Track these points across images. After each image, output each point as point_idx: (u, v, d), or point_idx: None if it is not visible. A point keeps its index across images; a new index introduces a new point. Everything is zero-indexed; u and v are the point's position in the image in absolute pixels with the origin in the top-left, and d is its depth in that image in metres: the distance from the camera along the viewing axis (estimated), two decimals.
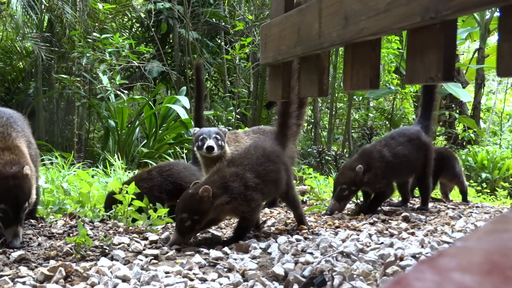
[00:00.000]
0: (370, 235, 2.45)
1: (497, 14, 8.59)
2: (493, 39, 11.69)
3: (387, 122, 10.79)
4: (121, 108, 6.85)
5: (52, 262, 1.91)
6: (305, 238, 2.39)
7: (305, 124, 10.80)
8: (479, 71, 9.87)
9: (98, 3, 8.02)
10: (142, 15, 10.08)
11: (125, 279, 1.73)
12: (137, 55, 8.24)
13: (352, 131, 10.57)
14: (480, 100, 10.48)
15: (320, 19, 1.66)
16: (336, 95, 10.22)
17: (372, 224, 2.79)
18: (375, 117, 11.69)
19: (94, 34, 7.31)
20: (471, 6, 1.09)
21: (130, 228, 2.56)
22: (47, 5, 7.90)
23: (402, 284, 0.49)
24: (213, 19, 9.98)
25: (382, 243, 2.25)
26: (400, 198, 3.64)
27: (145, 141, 7.23)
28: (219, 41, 10.38)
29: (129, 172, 5.03)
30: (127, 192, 2.63)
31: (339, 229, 2.64)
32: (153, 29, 9.30)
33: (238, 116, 8.91)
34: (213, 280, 1.77)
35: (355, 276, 1.78)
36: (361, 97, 11.08)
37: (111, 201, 2.91)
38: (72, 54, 7.32)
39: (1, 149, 2.25)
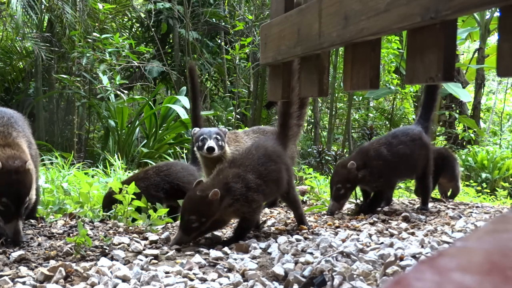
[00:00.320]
0: (370, 235, 2.45)
1: (497, 14, 8.59)
2: (493, 39, 11.69)
3: (387, 122, 10.79)
4: (121, 108, 6.85)
5: (52, 262, 1.91)
6: (305, 238, 2.39)
7: (305, 124, 10.79)
8: (479, 71, 9.87)
9: (98, 3, 8.02)
10: (142, 15, 10.08)
11: (125, 279, 1.73)
12: (137, 55, 8.24)
13: (352, 131, 10.57)
14: (480, 100, 10.48)
15: (320, 19, 1.66)
16: (336, 95, 10.22)
17: (372, 224, 2.79)
18: (375, 117, 11.69)
19: (94, 34, 7.31)
20: (471, 6, 1.09)
21: (130, 228, 2.56)
22: (47, 5, 7.90)
23: (402, 284, 0.49)
24: (213, 19, 9.98)
25: (382, 243, 2.25)
26: (400, 199, 3.64)
27: (145, 141, 7.24)
28: (219, 41, 10.38)
29: (129, 172, 5.04)
30: (127, 192, 2.63)
31: (339, 229, 2.64)
32: (153, 29, 9.30)
33: (238, 116, 8.91)
34: (213, 280, 1.77)
35: (355, 276, 1.78)
36: (361, 97, 11.08)
37: (108, 201, 2.91)
38: (72, 54, 7.32)
39: (2, 145, 2.25)
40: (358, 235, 2.45)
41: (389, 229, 2.61)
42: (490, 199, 6.22)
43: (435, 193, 4.41)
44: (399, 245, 2.18)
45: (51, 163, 5.18)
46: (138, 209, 2.75)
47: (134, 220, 2.75)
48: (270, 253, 2.13)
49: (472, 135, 9.67)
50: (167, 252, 2.10)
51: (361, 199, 3.41)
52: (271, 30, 2.11)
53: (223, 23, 10.10)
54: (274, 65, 2.18)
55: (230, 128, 8.18)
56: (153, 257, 2.01)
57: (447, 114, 10.30)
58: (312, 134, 10.59)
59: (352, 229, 2.66)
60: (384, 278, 1.77)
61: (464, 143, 9.92)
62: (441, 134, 10.18)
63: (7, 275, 1.73)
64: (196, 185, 2.29)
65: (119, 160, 5.39)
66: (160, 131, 7.09)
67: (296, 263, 1.96)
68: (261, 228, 2.63)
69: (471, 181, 7.65)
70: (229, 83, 10.24)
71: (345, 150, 9.06)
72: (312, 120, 10.03)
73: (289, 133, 2.65)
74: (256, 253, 2.09)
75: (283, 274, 1.83)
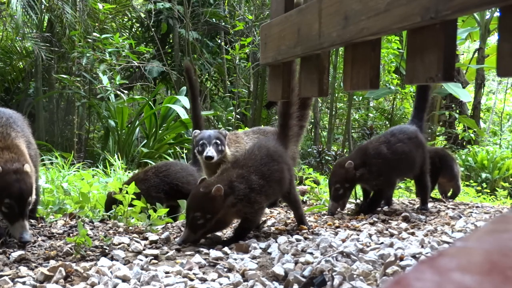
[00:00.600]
0: (370, 235, 2.45)
1: (497, 14, 8.59)
2: (493, 39, 11.69)
3: (387, 122, 10.78)
4: (121, 108, 6.85)
5: (52, 262, 1.91)
6: (305, 238, 2.39)
7: None
8: (479, 71, 9.87)
9: (98, 3, 8.02)
10: (142, 15, 10.08)
11: (125, 279, 1.73)
12: (137, 55, 8.24)
13: (352, 131, 10.57)
14: (480, 100, 10.48)
15: (320, 19, 1.66)
16: (336, 95, 10.22)
17: (372, 224, 2.79)
18: (375, 117, 11.69)
19: (94, 34, 7.31)
20: (471, 6, 1.09)
21: (130, 228, 2.56)
22: (47, 5, 7.90)
23: (402, 284, 0.49)
24: (213, 19, 9.98)
25: (382, 243, 2.25)
26: (400, 199, 3.64)
27: (145, 141, 7.24)
28: (219, 41, 10.37)
29: (129, 172, 5.04)
30: (127, 192, 2.63)
31: (339, 229, 2.64)
32: (153, 29, 9.30)
33: (238, 116, 8.91)
34: (213, 280, 1.77)
35: (355, 276, 1.78)
36: (361, 97, 11.08)
37: (110, 203, 2.92)
38: (72, 54, 7.32)
39: (0, 148, 2.25)
40: (358, 235, 2.45)
41: (389, 229, 2.61)
42: (490, 199, 6.22)
43: (435, 193, 4.41)
44: (399, 245, 2.18)
45: (51, 163, 5.18)
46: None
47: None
48: (270, 253, 2.13)
49: (472, 135, 9.67)
50: (167, 252, 2.10)
51: (361, 199, 3.40)
52: (271, 30, 2.11)
53: (223, 23, 10.10)
54: (274, 65, 2.18)
55: (230, 128, 8.19)
56: (153, 257, 2.01)
57: (447, 114, 10.30)
58: (312, 134, 10.59)
59: (352, 229, 2.66)
60: (384, 278, 1.77)
61: (464, 143, 9.92)
62: (441, 134, 10.18)
63: (7, 275, 1.73)
64: (200, 182, 2.30)
65: (119, 160, 5.39)
66: (160, 131, 7.09)
67: (296, 263, 1.96)
68: (261, 228, 2.63)
69: (471, 181, 7.65)
70: (229, 83, 10.24)
71: (345, 150, 9.06)
72: (312, 120, 10.03)
73: (289, 133, 2.65)
74: (256, 253, 2.09)
75: (283, 274, 1.83)
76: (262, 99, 9.99)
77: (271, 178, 2.38)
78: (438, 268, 0.52)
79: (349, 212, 3.26)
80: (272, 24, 2.11)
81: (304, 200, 3.81)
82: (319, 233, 2.51)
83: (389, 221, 2.89)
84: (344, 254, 2.04)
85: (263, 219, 2.85)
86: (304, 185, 4.15)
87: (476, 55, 10.46)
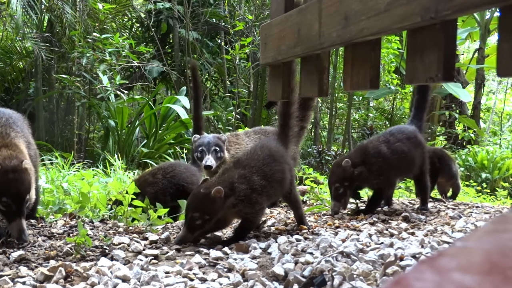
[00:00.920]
0: (370, 235, 2.45)
1: (497, 14, 8.59)
2: (493, 39, 11.69)
3: (387, 122, 10.78)
4: (121, 108, 6.85)
5: (52, 262, 1.91)
6: (305, 238, 2.39)
7: None
8: (479, 71, 9.87)
9: (98, 3, 8.02)
10: (142, 15, 10.08)
11: (125, 279, 1.73)
12: (137, 55, 8.24)
13: (352, 131, 10.56)
14: (480, 100, 10.48)
15: (320, 19, 1.66)
16: (336, 95, 10.21)
17: (372, 224, 2.79)
18: (375, 117, 11.69)
19: (94, 34, 7.31)
20: (471, 6, 1.09)
21: (130, 228, 2.56)
22: (47, 5, 7.90)
23: (402, 284, 0.49)
24: (213, 19, 9.98)
25: (382, 243, 2.25)
26: (400, 199, 3.64)
27: (145, 141, 7.23)
28: (219, 41, 10.37)
29: (129, 172, 5.04)
30: (127, 192, 2.63)
31: (339, 229, 2.64)
32: (153, 29, 9.30)
33: (238, 116, 8.90)
34: (213, 280, 1.77)
35: (355, 276, 1.78)
36: (361, 97, 11.08)
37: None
38: (72, 54, 7.32)
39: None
40: (358, 235, 2.45)
41: (389, 229, 2.61)
42: (490, 199, 6.22)
43: (435, 193, 4.41)
44: (399, 245, 2.18)
45: (51, 163, 5.18)
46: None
47: (133, 219, 2.74)
48: (270, 253, 2.13)
49: (472, 135, 9.67)
50: (167, 252, 2.10)
51: (359, 202, 3.41)
52: (271, 30, 2.11)
53: (223, 23, 10.10)
54: (274, 65, 2.18)
55: (230, 128, 8.19)
56: (153, 257, 2.01)
57: (447, 114, 10.30)
58: (312, 134, 10.58)
59: (352, 229, 2.66)
60: (384, 278, 1.77)
61: (464, 143, 9.92)
62: (441, 134, 10.18)
63: (7, 275, 1.73)
64: (202, 183, 2.31)
65: (119, 160, 5.39)
66: (160, 131, 7.09)
67: (296, 263, 1.96)
68: (261, 228, 2.63)
69: (471, 181, 7.65)
70: (229, 83, 10.24)
71: (345, 150, 9.06)
72: (312, 120, 10.03)
73: (289, 134, 2.65)
74: (256, 253, 2.09)
75: (283, 274, 1.83)
76: (262, 99, 9.99)
77: (273, 178, 2.38)
78: (438, 268, 0.52)
79: (349, 212, 3.26)
80: (272, 24, 2.11)
81: (304, 200, 3.81)
82: (319, 233, 2.51)
83: (389, 221, 2.89)
84: (344, 254, 2.04)
85: (263, 219, 2.85)
86: (304, 185, 4.15)
87: (476, 55, 10.46)
